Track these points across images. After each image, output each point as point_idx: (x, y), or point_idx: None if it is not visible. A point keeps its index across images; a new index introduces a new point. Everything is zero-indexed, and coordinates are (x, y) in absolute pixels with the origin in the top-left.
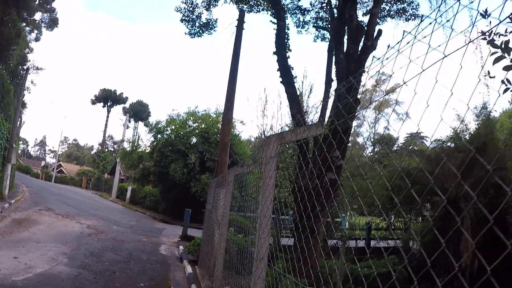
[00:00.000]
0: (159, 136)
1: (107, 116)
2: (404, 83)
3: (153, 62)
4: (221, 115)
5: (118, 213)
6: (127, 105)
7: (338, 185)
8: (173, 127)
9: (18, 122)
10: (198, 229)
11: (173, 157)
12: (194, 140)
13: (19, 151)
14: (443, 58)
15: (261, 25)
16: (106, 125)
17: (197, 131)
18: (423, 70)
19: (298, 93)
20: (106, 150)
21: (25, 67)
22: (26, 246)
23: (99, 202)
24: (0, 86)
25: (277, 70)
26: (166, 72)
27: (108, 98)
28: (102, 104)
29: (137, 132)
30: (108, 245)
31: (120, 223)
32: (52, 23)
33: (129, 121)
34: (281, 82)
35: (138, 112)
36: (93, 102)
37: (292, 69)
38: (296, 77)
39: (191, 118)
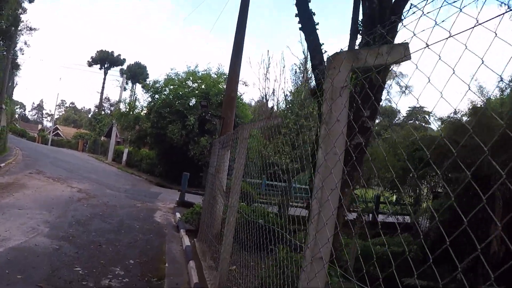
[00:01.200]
0: (156, 96)
1: (104, 78)
2: (427, 46)
3: (152, 23)
4: (222, 75)
5: (113, 176)
6: (124, 66)
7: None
8: (171, 87)
9: (10, 84)
10: (196, 195)
11: (171, 118)
12: (193, 101)
13: (16, 115)
14: (476, 25)
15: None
16: (103, 87)
17: (196, 92)
18: (451, 35)
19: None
20: (103, 112)
21: (18, 28)
22: (6, 214)
23: (94, 165)
24: None
25: (296, 16)
26: (165, 33)
27: (105, 59)
28: (99, 66)
29: (134, 93)
30: (98, 212)
31: (114, 186)
32: None
33: (127, 83)
34: (300, 28)
35: (136, 74)
36: (90, 64)
37: (314, 14)
38: (318, 23)
39: (191, 78)
